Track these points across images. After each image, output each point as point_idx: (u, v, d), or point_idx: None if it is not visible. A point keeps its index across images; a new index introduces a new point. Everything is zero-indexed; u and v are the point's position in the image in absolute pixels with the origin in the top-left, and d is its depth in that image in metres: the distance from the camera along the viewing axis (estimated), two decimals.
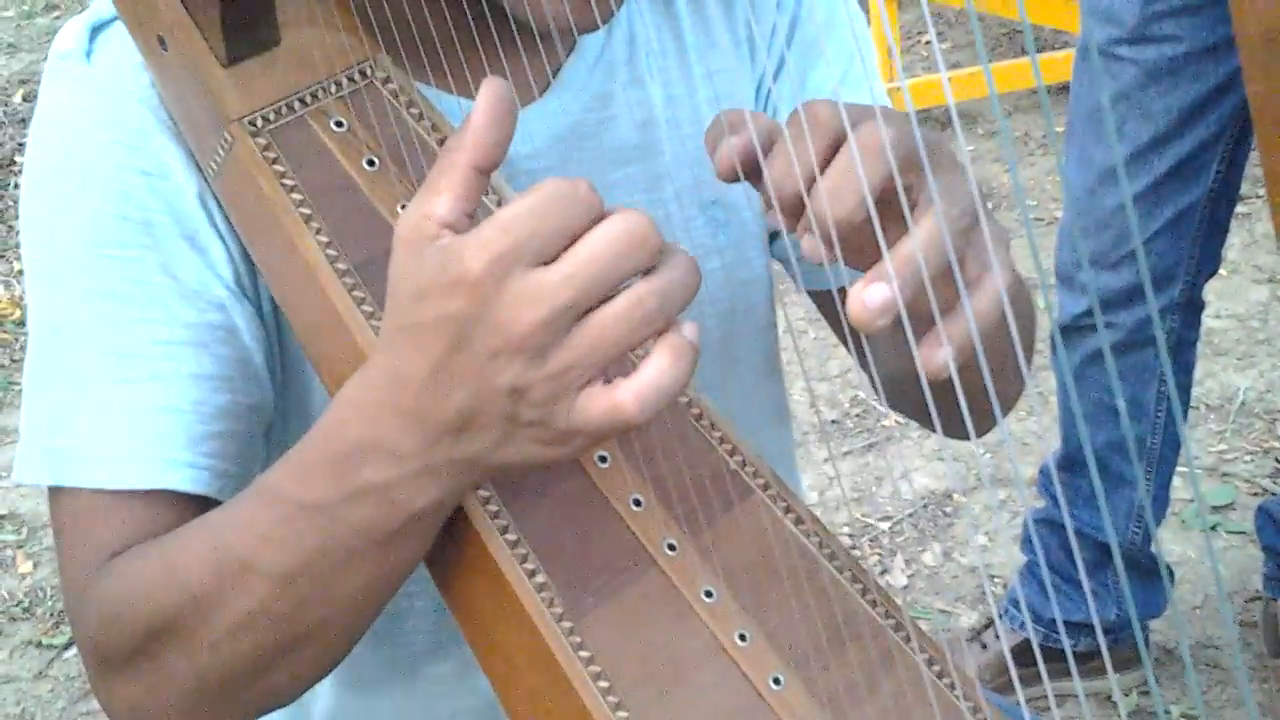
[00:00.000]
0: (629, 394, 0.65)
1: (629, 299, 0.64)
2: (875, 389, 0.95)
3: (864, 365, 0.98)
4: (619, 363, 0.66)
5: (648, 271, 0.65)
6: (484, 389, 0.65)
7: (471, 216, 0.66)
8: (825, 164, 0.67)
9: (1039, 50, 4.11)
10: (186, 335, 0.85)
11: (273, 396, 0.91)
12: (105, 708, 0.87)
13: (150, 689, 0.83)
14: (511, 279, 0.63)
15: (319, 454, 0.73)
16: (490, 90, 0.66)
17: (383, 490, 0.71)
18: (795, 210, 0.69)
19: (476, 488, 0.74)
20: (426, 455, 0.69)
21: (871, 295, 0.64)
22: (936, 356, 0.67)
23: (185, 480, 0.84)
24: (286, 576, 0.75)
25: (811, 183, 0.67)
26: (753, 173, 0.70)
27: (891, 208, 0.67)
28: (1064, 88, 2.20)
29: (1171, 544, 2.51)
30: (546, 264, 0.64)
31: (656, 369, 0.65)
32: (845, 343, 1.05)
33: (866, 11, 3.62)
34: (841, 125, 0.67)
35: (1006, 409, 0.94)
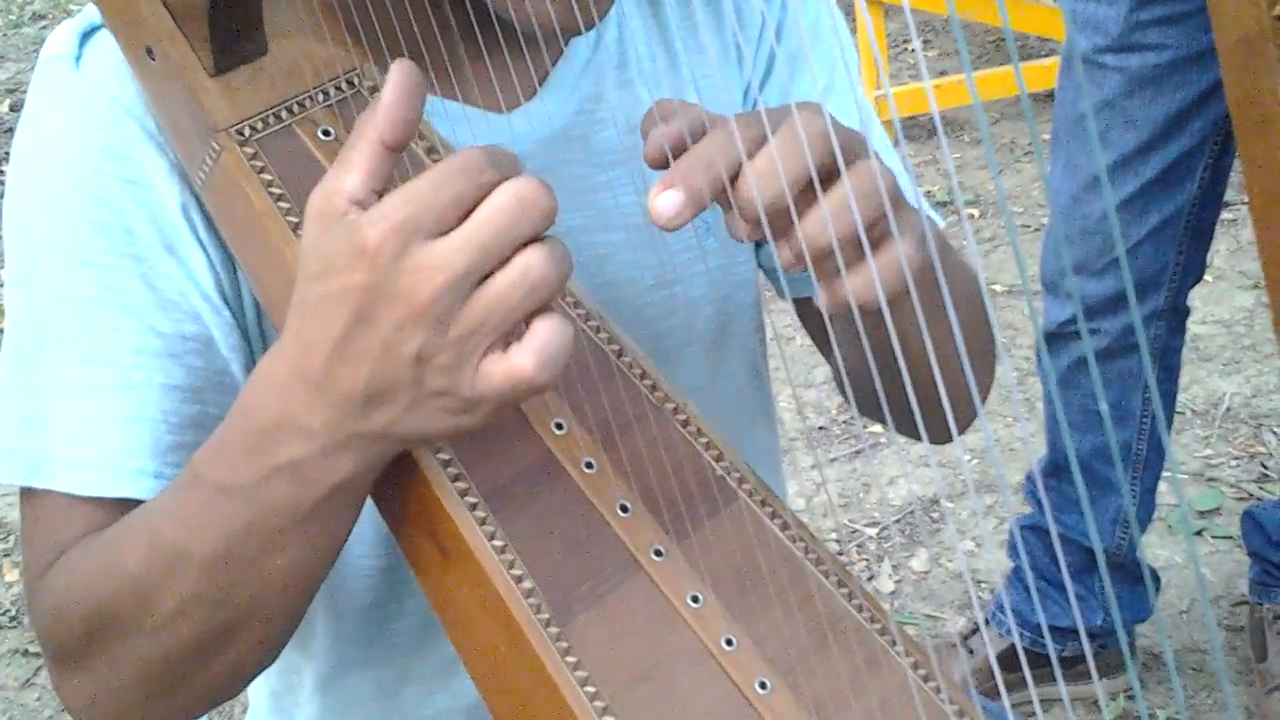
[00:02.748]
0: (525, 355, 0.67)
1: (518, 264, 0.66)
2: (847, 400, 0.96)
3: (839, 378, 0.98)
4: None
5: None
6: (389, 359, 0.67)
7: (381, 193, 0.68)
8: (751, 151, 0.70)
9: (1025, 58, 4.12)
10: (159, 345, 0.86)
11: None
12: (63, 702, 0.88)
13: (100, 681, 0.84)
14: (410, 249, 0.65)
15: (236, 434, 0.75)
16: (399, 70, 0.68)
17: (297, 466, 0.72)
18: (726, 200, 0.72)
19: (389, 459, 0.75)
20: (337, 429, 0.70)
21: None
22: (836, 291, 0.71)
23: (149, 490, 0.85)
24: (216, 559, 0.76)
25: (734, 173, 0.70)
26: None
27: (809, 193, 0.70)
28: (1050, 95, 2.21)
29: (1158, 549, 2.52)
30: (446, 234, 0.65)
31: (545, 329, 0.67)
32: (823, 351, 1.06)
33: (853, 20, 3.63)
34: (759, 127, 0.70)
35: (982, 396, 0.94)
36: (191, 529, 0.77)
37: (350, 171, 0.68)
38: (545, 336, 0.67)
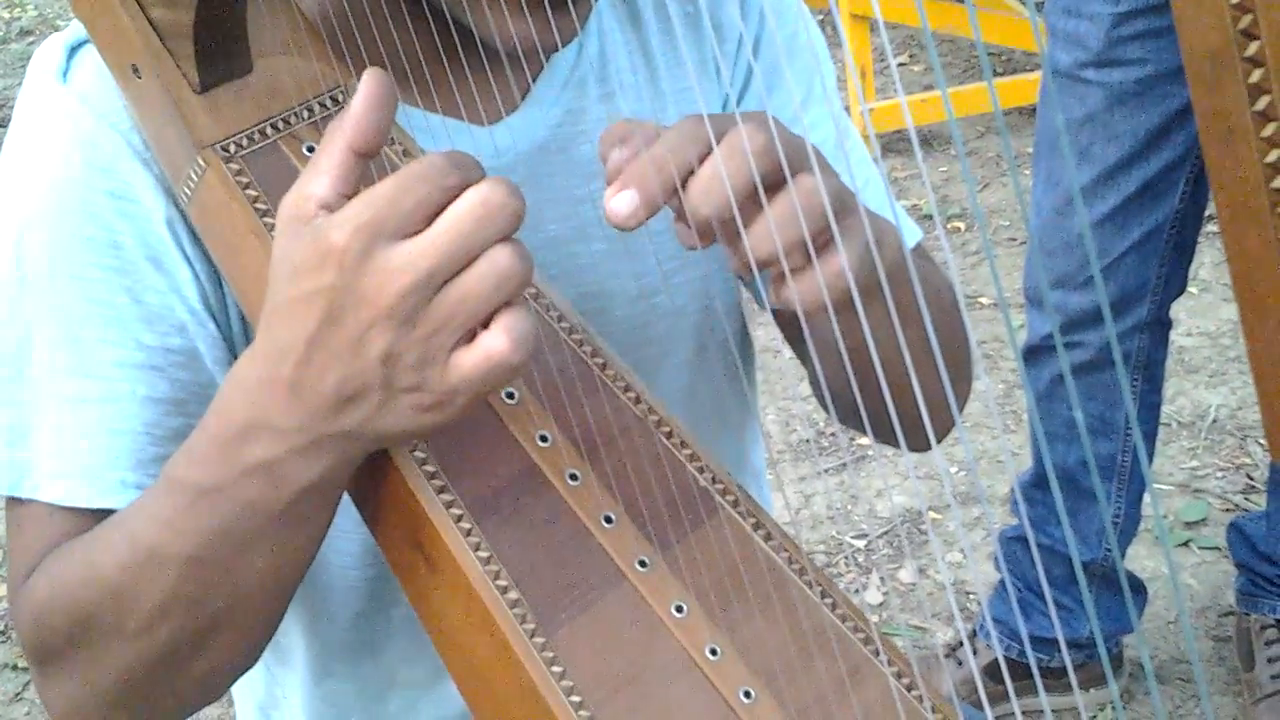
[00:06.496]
0: (497, 335, 0.67)
1: (486, 259, 0.67)
2: (826, 409, 0.97)
3: (815, 386, 0.99)
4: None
5: None
6: (358, 359, 0.68)
7: (350, 197, 0.69)
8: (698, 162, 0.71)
9: (1012, 72, 4.15)
10: (144, 358, 0.86)
11: None
12: (45, 706, 0.89)
13: (82, 684, 0.85)
14: (376, 250, 0.66)
15: (210, 436, 0.76)
16: (370, 79, 0.69)
17: (270, 467, 0.73)
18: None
19: (360, 459, 0.75)
20: (309, 429, 0.71)
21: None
22: (783, 290, 0.71)
23: (130, 501, 0.85)
24: (191, 560, 0.77)
25: (685, 178, 0.71)
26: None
27: (755, 201, 0.70)
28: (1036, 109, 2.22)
29: (1146, 560, 2.52)
30: (411, 237, 0.66)
31: (517, 310, 0.68)
32: (801, 358, 1.07)
33: (841, 34, 3.64)
34: (705, 134, 0.71)
35: (960, 400, 0.95)
36: (168, 531, 0.78)
37: (319, 177, 0.69)
38: (514, 318, 0.68)
